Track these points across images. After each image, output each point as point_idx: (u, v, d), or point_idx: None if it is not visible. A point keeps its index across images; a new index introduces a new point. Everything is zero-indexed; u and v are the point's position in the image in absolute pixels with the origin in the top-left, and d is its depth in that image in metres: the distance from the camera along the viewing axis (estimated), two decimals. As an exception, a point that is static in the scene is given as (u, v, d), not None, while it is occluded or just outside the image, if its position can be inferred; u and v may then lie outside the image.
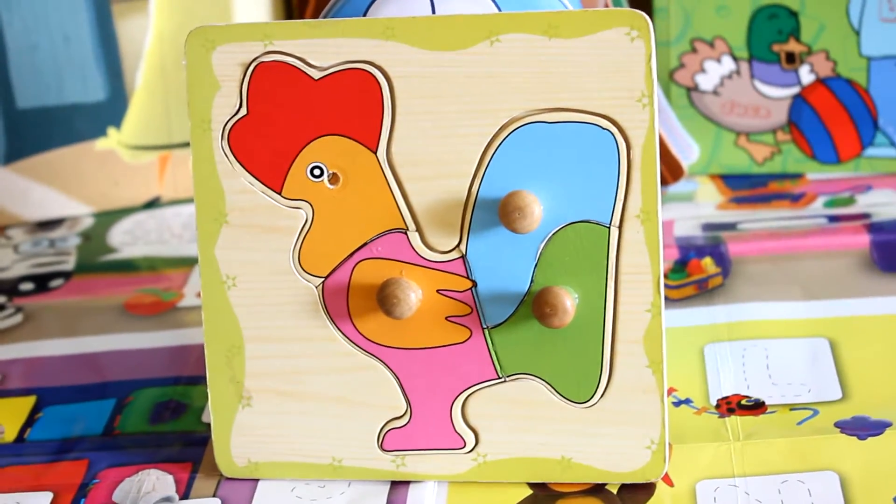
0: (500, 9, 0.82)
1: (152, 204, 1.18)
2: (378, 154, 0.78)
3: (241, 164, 0.79)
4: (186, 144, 1.17)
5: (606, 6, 1.02)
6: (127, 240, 1.13)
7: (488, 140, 0.77)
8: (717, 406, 0.84)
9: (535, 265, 0.78)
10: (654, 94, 0.75)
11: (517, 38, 0.76)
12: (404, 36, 0.77)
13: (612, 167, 0.76)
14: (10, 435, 0.88)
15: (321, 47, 0.77)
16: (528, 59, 0.76)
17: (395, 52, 0.77)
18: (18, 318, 1.02)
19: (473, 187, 0.77)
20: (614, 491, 0.79)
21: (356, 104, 0.77)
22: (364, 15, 0.82)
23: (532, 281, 0.78)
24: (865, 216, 1.04)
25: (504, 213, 0.76)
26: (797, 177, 1.12)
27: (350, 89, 0.77)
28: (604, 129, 0.76)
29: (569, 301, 0.77)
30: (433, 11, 0.82)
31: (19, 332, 1.00)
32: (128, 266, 1.09)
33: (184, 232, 1.13)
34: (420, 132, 0.77)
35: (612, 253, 0.77)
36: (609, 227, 0.77)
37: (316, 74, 0.77)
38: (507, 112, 0.76)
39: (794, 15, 1.10)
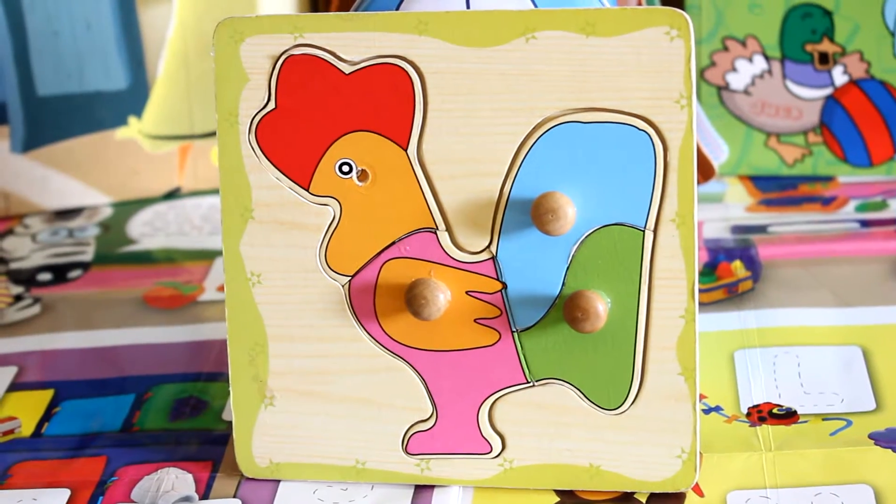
0: (536, 5, 0.81)
1: (172, 195, 1.16)
2: (409, 151, 0.76)
3: (268, 158, 0.77)
4: (208, 135, 1.16)
5: (639, 3, 1.00)
6: (146, 231, 1.11)
7: (522, 139, 0.75)
8: (748, 414, 0.83)
9: (567, 268, 0.76)
10: (693, 95, 0.74)
11: (553, 35, 0.74)
12: (438, 31, 0.75)
13: (647, 169, 0.75)
14: (27, 429, 0.87)
15: (353, 41, 0.76)
16: (564, 57, 0.74)
17: (428, 47, 0.75)
18: (36, 308, 1.01)
19: (505, 187, 0.76)
20: (643, 500, 0.77)
21: (387, 100, 0.76)
22: (397, 9, 0.81)
23: (563, 284, 0.76)
24: (898, 221, 1.03)
25: (536, 214, 0.75)
26: (828, 179, 1.10)
27: (381, 84, 0.76)
28: (640, 130, 0.74)
29: (601, 305, 0.75)
30: (468, 6, 0.80)
31: (37, 324, 0.99)
32: (147, 258, 1.07)
33: (204, 224, 1.12)
34: (452, 129, 0.76)
35: (647, 257, 0.75)
36: (644, 231, 0.75)
37: (347, 69, 0.76)
38: (542, 111, 0.75)
39: (828, 14, 1.08)
